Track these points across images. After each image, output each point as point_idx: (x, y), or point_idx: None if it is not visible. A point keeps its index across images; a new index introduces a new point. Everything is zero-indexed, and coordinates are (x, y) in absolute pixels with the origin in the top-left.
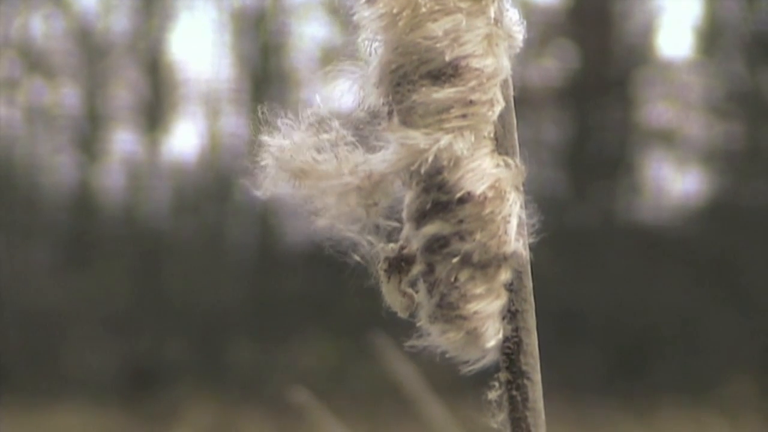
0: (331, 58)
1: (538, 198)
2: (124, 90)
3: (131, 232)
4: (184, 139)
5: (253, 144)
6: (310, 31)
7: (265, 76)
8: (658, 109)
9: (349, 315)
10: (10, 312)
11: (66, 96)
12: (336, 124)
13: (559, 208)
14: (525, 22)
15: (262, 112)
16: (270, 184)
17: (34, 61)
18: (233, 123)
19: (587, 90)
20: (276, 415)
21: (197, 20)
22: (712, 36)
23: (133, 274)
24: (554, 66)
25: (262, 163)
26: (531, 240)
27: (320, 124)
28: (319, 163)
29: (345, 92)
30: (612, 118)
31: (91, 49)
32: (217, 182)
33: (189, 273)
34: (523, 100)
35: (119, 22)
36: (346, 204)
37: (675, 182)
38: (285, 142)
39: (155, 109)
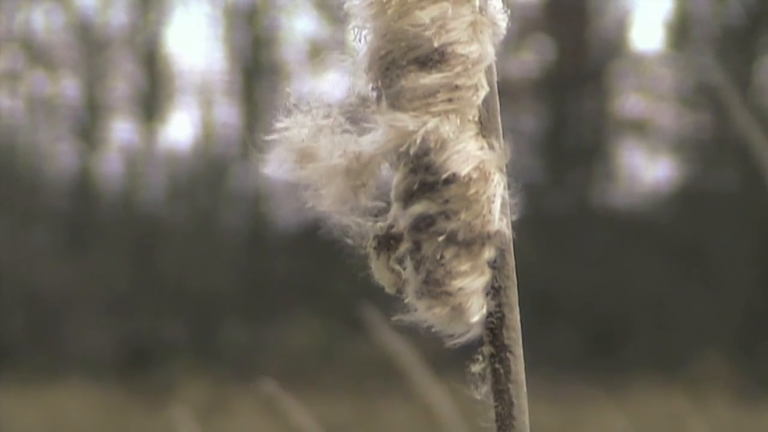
0: (319, 51)
1: (516, 185)
2: (122, 82)
3: (128, 216)
4: (179, 128)
5: (250, 131)
6: (299, 26)
7: (256, 68)
8: (631, 100)
9: (336, 296)
10: (12, 293)
11: (66, 87)
12: (333, 110)
13: (537, 195)
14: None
15: (259, 102)
16: (276, 164)
17: (35, 54)
18: (226, 113)
19: (563, 82)
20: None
21: (192, 15)
22: (682, 31)
23: (130, 257)
24: (532, 59)
25: (271, 142)
26: (512, 220)
27: (318, 110)
28: (317, 147)
29: (336, 81)
30: (587, 108)
31: (90, 43)
32: (211, 169)
33: (183, 256)
34: (502, 91)
35: (117, 17)
36: (335, 185)
37: (647, 169)
38: (292, 124)
39: (151, 99)
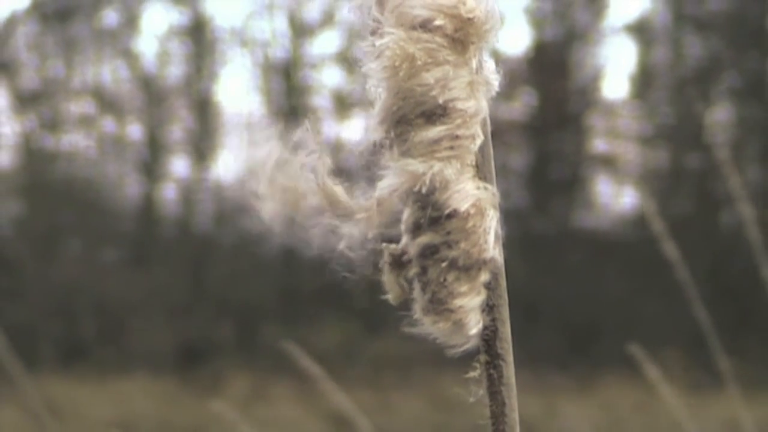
0: (343, 99)
1: (506, 211)
2: (178, 125)
3: (184, 237)
4: (226, 164)
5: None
6: (326, 78)
7: (291, 113)
8: (602, 140)
9: (355, 305)
10: (87, 302)
11: (131, 130)
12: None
13: (525, 219)
14: (497, 70)
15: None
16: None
17: (105, 102)
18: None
19: (546, 125)
20: (300, 385)
21: (237, 69)
22: (644, 82)
23: (186, 271)
24: (520, 106)
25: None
26: (504, 247)
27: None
28: (339, 193)
29: (360, 129)
30: (566, 147)
31: (151, 93)
32: (252, 198)
33: (229, 271)
34: (495, 133)
35: (174, 72)
36: (358, 227)
37: (616, 197)
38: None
39: (203, 140)
